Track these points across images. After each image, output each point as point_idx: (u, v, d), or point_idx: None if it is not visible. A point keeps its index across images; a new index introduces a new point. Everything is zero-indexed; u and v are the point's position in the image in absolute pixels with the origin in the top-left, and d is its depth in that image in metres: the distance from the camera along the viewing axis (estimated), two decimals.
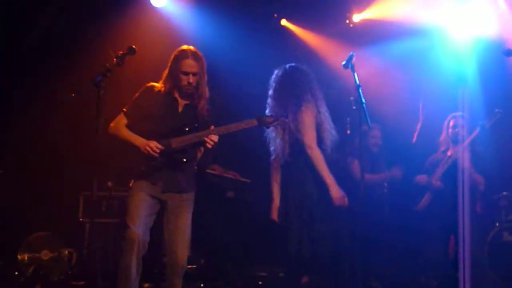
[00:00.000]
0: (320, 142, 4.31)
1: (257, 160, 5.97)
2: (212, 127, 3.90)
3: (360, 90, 4.15)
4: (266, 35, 6.38)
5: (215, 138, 3.85)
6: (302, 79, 4.44)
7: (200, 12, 6.19)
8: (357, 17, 6.40)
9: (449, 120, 5.41)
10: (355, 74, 4.17)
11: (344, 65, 4.27)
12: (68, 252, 5.29)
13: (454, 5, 5.58)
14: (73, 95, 3.76)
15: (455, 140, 5.33)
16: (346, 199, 4.22)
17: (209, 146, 3.85)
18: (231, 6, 6.14)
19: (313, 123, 4.31)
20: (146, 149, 3.85)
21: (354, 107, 4.18)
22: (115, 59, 3.79)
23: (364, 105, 4.09)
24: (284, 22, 6.62)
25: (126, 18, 5.91)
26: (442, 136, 5.47)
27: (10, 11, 5.51)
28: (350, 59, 4.24)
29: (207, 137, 3.83)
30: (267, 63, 6.19)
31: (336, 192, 4.22)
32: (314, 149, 4.24)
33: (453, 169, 5.05)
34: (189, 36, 5.84)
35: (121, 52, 3.82)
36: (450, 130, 5.39)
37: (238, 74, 6.23)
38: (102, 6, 5.84)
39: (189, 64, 3.93)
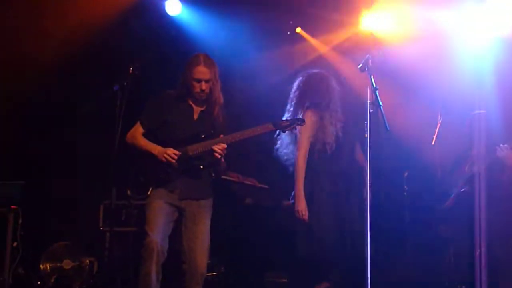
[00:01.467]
0: (321, 145, 4.37)
1: (275, 166, 5.99)
2: (222, 136, 3.91)
3: (377, 93, 4.12)
4: (281, 42, 6.38)
5: (222, 146, 3.85)
6: (308, 84, 4.52)
7: (214, 19, 6.21)
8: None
9: None
10: (372, 76, 4.15)
11: (360, 68, 4.25)
12: (89, 261, 5.33)
13: (472, 5, 5.52)
14: (92, 104, 3.79)
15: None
16: (304, 215, 4.27)
17: (217, 155, 3.86)
18: (244, 14, 6.15)
19: (307, 130, 4.37)
20: (164, 157, 3.87)
21: (371, 111, 4.14)
22: (131, 69, 3.82)
23: (382, 108, 4.06)
24: (299, 29, 6.60)
25: (142, 26, 5.95)
26: None
27: None
28: (366, 61, 4.21)
29: (214, 145, 3.84)
30: (281, 69, 6.25)
31: (297, 204, 4.30)
32: (298, 156, 4.38)
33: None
34: (203, 44, 5.88)
35: (136, 63, 3.85)
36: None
37: (253, 80, 6.25)
38: (120, 15, 5.88)
39: (201, 71, 3.94)
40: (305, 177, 4.39)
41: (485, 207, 4.71)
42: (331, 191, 4.36)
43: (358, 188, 4.35)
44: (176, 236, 4.00)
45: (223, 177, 5.56)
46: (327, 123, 4.41)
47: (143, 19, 5.93)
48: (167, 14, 6.13)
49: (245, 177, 5.99)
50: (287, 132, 4.15)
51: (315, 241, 4.28)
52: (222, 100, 4.06)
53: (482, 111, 4.95)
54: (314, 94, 4.50)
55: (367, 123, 4.22)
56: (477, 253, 4.78)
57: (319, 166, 4.43)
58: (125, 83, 3.73)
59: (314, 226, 4.29)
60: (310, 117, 4.43)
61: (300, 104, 4.51)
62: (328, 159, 4.39)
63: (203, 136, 3.93)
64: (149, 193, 3.96)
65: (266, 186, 5.93)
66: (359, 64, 4.25)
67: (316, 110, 4.50)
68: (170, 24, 6.18)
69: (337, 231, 4.28)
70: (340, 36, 6.36)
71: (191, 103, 4.04)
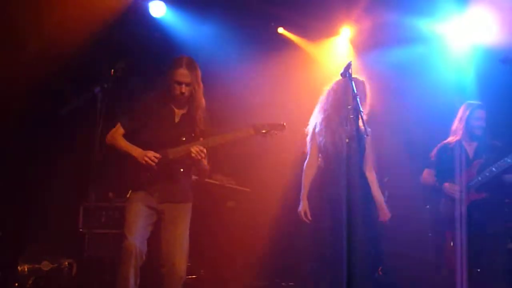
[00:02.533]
0: (320, 150, 4.41)
1: (257, 169, 6.01)
2: (201, 139, 3.91)
3: (358, 99, 4.14)
4: (263, 43, 6.40)
5: (196, 149, 3.84)
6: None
7: (198, 21, 6.22)
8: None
9: (474, 109, 4.86)
10: (353, 82, 4.17)
11: (341, 73, 4.27)
12: (68, 263, 5.29)
13: (453, 13, 5.59)
14: (72, 106, 3.76)
15: (473, 135, 4.89)
16: (306, 215, 4.29)
17: (196, 157, 3.85)
18: (228, 15, 6.16)
19: (309, 139, 4.42)
20: (144, 159, 3.86)
21: (351, 116, 4.16)
22: (113, 71, 3.80)
23: (362, 114, 4.09)
24: (281, 30, 6.62)
25: (125, 27, 5.93)
26: (456, 125, 4.98)
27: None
28: (347, 67, 4.24)
29: (193, 148, 3.83)
30: (265, 71, 6.27)
31: (300, 205, 4.33)
32: (306, 162, 4.42)
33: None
34: (187, 45, 5.88)
35: (119, 65, 3.83)
36: (474, 121, 4.87)
37: (237, 82, 6.26)
38: (104, 17, 5.85)
39: (182, 74, 3.93)
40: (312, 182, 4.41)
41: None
42: (332, 198, 4.32)
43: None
44: (155, 239, 3.99)
45: (205, 180, 5.56)
46: (336, 130, 4.39)
47: (127, 20, 5.91)
48: (151, 16, 6.11)
49: (228, 179, 6.00)
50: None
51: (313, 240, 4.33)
52: (204, 103, 4.05)
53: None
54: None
55: (347, 128, 4.26)
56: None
57: (324, 171, 4.44)
58: (105, 85, 3.71)
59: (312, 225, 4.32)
60: (311, 123, 4.48)
61: None
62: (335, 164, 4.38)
63: (183, 139, 3.93)
64: (128, 195, 3.95)
65: (248, 189, 5.94)
66: (341, 70, 4.29)
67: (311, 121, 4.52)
68: (154, 26, 6.16)
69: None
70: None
71: (172, 105, 4.03)
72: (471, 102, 4.93)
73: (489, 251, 4.77)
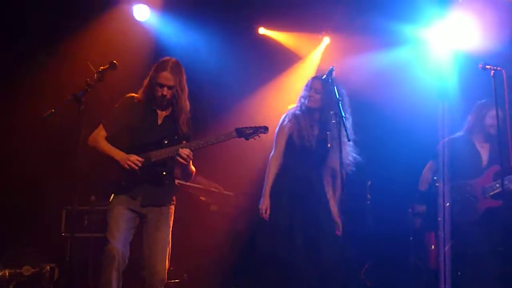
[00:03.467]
0: (291, 146, 4.42)
1: (241, 173, 6.02)
2: (184, 142, 3.91)
3: (340, 104, 4.18)
4: (246, 45, 6.43)
5: (185, 152, 3.84)
6: None
7: (182, 25, 6.22)
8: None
9: (489, 108, 4.73)
10: (335, 88, 4.20)
11: (323, 79, 4.31)
12: (50, 268, 5.23)
13: (435, 18, 5.65)
14: (53, 110, 3.73)
15: (487, 135, 4.81)
16: (265, 213, 4.29)
17: (180, 161, 3.85)
18: (212, 19, 6.18)
19: (280, 134, 4.45)
20: (127, 164, 3.85)
21: (333, 121, 4.20)
22: (96, 74, 3.78)
23: (344, 119, 4.12)
24: (262, 31, 6.65)
25: (109, 31, 5.91)
26: (471, 123, 4.91)
27: None
28: (330, 73, 4.27)
29: (177, 152, 3.83)
30: (249, 73, 6.29)
31: (261, 202, 4.35)
32: (271, 157, 4.48)
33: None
34: (171, 49, 5.88)
35: (102, 67, 3.81)
36: (489, 120, 4.80)
37: (221, 85, 6.27)
38: (85, 19, 5.84)
39: (166, 77, 3.92)
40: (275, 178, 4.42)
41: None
42: (294, 192, 4.36)
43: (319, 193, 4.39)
44: (137, 242, 3.98)
45: (188, 183, 5.55)
46: (303, 127, 4.42)
47: (111, 23, 5.89)
48: (135, 19, 6.10)
49: (211, 182, 5.99)
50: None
51: (268, 238, 4.29)
52: (188, 107, 4.05)
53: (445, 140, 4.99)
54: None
55: (329, 133, 4.30)
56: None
57: (286, 167, 4.45)
58: (88, 89, 3.69)
59: (269, 223, 4.31)
60: (286, 118, 4.50)
61: None
62: (298, 162, 4.41)
63: (166, 142, 3.92)
64: (110, 199, 3.93)
65: (231, 193, 5.94)
66: (323, 76, 4.32)
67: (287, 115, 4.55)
68: (138, 29, 6.15)
69: (289, 231, 4.27)
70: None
71: (155, 108, 4.03)
72: (486, 100, 4.83)
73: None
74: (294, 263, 4.21)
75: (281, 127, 4.50)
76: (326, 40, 6.65)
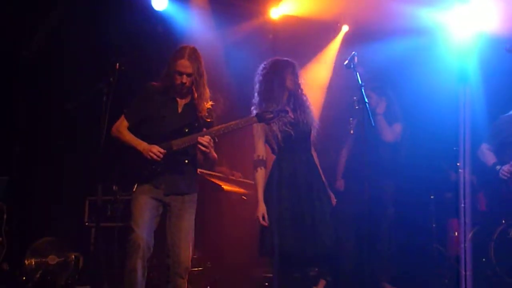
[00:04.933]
0: (268, 144, 4.29)
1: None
2: (204, 129, 3.91)
3: (363, 90, 4.15)
4: (262, 33, 6.40)
5: (205, 139, 3.83)
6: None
7: (200, 14, 6.22)
8: None
9: None
10: (358, 74, 4.17)
11: (346, 65, 4.28)
12: (75, 257, 5.31)
13: (456, 1, 5.57)
14: (77, 101, 3.77)
15: None
16: (264, 220, 4.15)
17: (202, 147, 3.84)
18: (230, 8, 6.17)
19: (255, 134, 4.28)
20: (149, 154, 3.87)
21: (357, 107, 4.17)
22: (117, 65, 3.80)
23: (368, 105, 4.09)
24: (276, 14, 6.55)
25: (128, 21, 5.93)
26: None
27: (12, 17, 5.53)
28: (352, 59, 4.24)
29: (199, 138, 3.83)
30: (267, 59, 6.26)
31: (257, 209, 4.19)
32: (254, 161, 4.27)
33: None
34: (190, 38, 5.88)
35: (123, 59, 3.83)
36: None
37: (240, 74, 6.26)
38: (104, 10, 5.86)
39: (184, 64, 3.91)
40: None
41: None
42: (290, 185, 4.25)
43: (317, 182, 4.31)
44: (161, 231, 4.01)
45: (209, 172, 5.57)
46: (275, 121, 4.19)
47: (130, 14, 5.91)
48: (154, 9, 6.10)
49: (233, 171, 6.00)
50: None
51: (277, 236, 4.17)
52: (207, 93, 4.04)
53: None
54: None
55: (353, 119, 4.27)
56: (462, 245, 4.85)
57: (276, 162, 4.32)
58: (111, 79, 3.71)
59: (274, 222, 4.19)
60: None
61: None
62: (283, 155, 4.29)
63: (186, 130, 3.93)
64: (134, 189, 3.96)
65: (252, 182, 5.93)
66: (345, 61, 4.29)
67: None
68: (156, 19, 6.16)
69: (297, 224, 4.19)
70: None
71: (175, 96, 4.03)
72: None
73: None
74: (303, 256, 4.18)
75: (255, 128, 4.26)
76: (345, 28, 6.57)
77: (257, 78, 4.37)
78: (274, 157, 4.34)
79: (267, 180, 4.27)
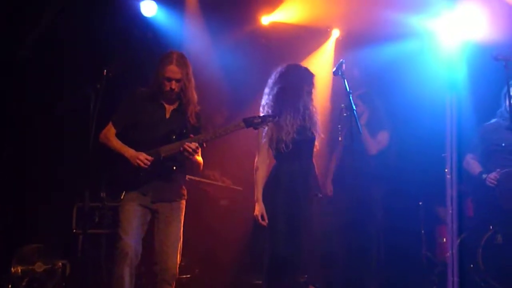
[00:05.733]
0: (271, 146, 4.28)
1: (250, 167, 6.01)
2: (192, 135, 3.90)
3: (351, 97, 4.16)
4: (253, 38, 6.41)
5: (192, 146, 3.82)
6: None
7: (189, 20, 6.22)
8: None
9: None
10: (345, 81, 4.18)
11: (334, 72, 4.29)
12: (62, 264, 5.26)
13: (444, 9, 5.61)
14: (65, 107, 3.75)
15: None
16: (263, 220, 4.15)
17: (188, 155, 3.83)
18: (219, 14, 6.17)
19: (259, 135, 4.28)
20: (136, 162, 3.85)
21: (345, 114, 4.18)
22: (105, 71, 3.79)
23: (355, 112, 4.11)
24: (266, 21, 6.56)
25: (117, 27, 5.91)
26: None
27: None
28: (340, 66, 4.25)
29: (187, 146, 3.81)
30: (256, 67, 6.27)
31: (255, 209, 4.20)
32: (256, 161, 4.28)
33: None
34: (179, 44, 5.87)
35: (111, 65, 3.82)
36: None
37: (228, 79, 6.26)
38: (93, 16, 5.83)
39: (172, 70, 3.91)
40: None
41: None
42: (287, 189, 4.25)
43: (314, 186, 4.32)
44: (149, 237, 3.99)
45: (198, 178, 5.56)
46: (283, 124, 4.26)
47: (118, 20, 5.89)
48: (142, 15, 6.09)
49: (222, 178, 5.99)
50: None
51: (271, 239, 4.19)
52: (195, 99, 4.04)
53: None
54: None
55: (340, 126, 4.28)
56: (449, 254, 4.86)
57: (276, 165, 4.34)
58: (98, 86, 3.70)
59: (268, 226, 4.20)
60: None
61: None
62: (285, 158, 4.30)
63: (174, 137, 3.92)
64: (122, 196, 3.94)
65: (240, 188, 5.94)
66: (333, 68, 4.30)
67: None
68: (145, 25, 6.15)
69: (291, 230, 4.18)
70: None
71: (163, 102, 4.02)
72: None
73: None
74: (297, 262, 4.17)
75: (261, 131, 4.25)
76: (335, 33, 6.59)
77: (274, 81, 4.36)
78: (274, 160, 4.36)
79: (266, 183, 4.27)
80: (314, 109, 4.30)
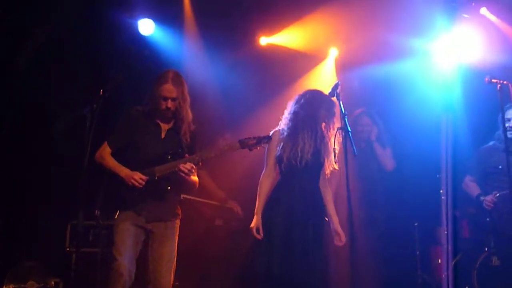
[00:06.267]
0: (280, 162, 4.30)
1: (246, 187, 6.00)
2: (187, 155, 3.90)
3: (346, 119, 4.17)
4: (251, 57, 6.44)
5: (187, 167, 3.83)
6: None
7: (187, 39, 6.24)
8: None
9: (506, 110, 4.77)
10: (341, 102, 4.20)
11: (329, 93, 4.31)
12: (55, 283, 5.22)
13: (439, 32, 5.66)
14: (61, 126, 3.76)
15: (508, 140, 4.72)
16: (258, 233, 4.16)
17: (182, 176, 3.84)
18: (217, 33, 6.21)
19: (269, 150, 4.33)
20: (131, 182, 3.85)
21: (340, 136, 4.19)
22: (102, 91, 3.80)
23: (350, 134, 4.12)
24: (264, 41, 6.61)
25: (115, 45, 5.94)
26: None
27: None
28: (335, 87, 4.27)
29: (181, 165, 3.82)
30: (255, 86, 6.30)
31: (252, 222, 4.21)
32: (262, 175, 4.34)
33: None
34: (176, 63, 5.89)
35: (108, 84, 3.83)
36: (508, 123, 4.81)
37: (226, 98, 6.28)
38: (91, 34, 5.86)
39: (168, 89, 3.93)
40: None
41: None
42: (286, 208, 4.24)
43: (315, 215, 4.29)
44: (142, 256, 3.98)
45: (192, 197, 5.54)
46: (296, 142, 4.30)
47: (116, 39, 5.92)
48: (140, 33, 6.12)
49: (218, 189, 5.93)
50: None
51: (266, 258, 4.17)
52: (190, 117, 4.05)
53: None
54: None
55: (334, 148, 4.28)
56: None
57: (279, 184, 4.35)
58: (95, 105, 3.71)
59: (264, 243, 4.20)
60: (276, 135, 4.37)
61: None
62: (288, 179, 4.31)
63: (169, 156, 3.92)
64: (116, 216, 3.93)
65: (234, 207, 5.90)
66: (329, 90, 4.32)
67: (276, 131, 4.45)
68: (143, 43, 6.17)
69: (287, 249, 4.17)
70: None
71: (158, 121, 4.04)
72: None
73: None
74: (293, 282, 4.15)
75: (271, 145, 4.32)
76: (333, 52, 6.61)
77: (294, 105, 4.42)
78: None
79: (267, 201, 4.28)
80: (326, 133, 4.32)
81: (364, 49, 6.11)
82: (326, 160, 4.33)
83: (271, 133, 4.34)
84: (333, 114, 4.33)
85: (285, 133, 4.34)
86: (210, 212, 5.80)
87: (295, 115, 4.36)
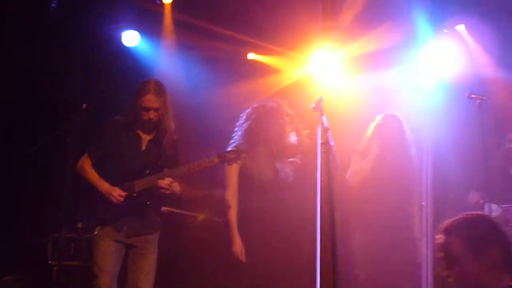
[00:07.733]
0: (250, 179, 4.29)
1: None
2: (166, 169, 3.88)
3: (329, 133, 4.19)
4: (235, 71, 6.45)
5: (166, 182, 3.82)
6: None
7: (171, 51, 6.25)
8: None
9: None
10: (324, 117, 4.21)
11: (312, 108, 4.32)
12: None
13: (419, 48, 5.70)
14: (39, 145, 3.73)
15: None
16: (242, 256, 4.14)
17: (163, 191, 3.83)
18: (202, 44, 6.21)
19: (231, 170, 4.27)
20: (110, 197, 3.83)
21: (323, 151, 4.20)
22: (84, 105, 3.79)
23: (333, 148, 4.14)
24: (251, 56, 6.63)
25: (98, 57, 5.92)
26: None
27: None
28: (319, 102, 4.28)
29: (160, 181, 3.80)
30: (241, 98, 6.29)
31: (233, 246, 4.18)
32: (226, 195, 4.26)
33: None
34: (160, 74, 5.88)
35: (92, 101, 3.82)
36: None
37: (209, 111, 6.27)
38: (74, 45, 5.84)
39: (150, 100, 3.90)
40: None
41: None
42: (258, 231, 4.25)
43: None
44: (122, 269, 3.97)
45: (175, 210, 5.52)
46: (262, 160, 4.30)
47: (100, 50, 5.90)
48: (124, 45, 6.11)
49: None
50: None
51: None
52: (172, 127, 4.03)
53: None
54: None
55: (318, 162, 4.29)
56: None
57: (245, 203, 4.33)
58: (77, 119, 3.70)
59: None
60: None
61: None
62: (255, 196, 4.31)
63: (147, 171, 3.90)
64: (96, 232, 3.92)
65: (219, 220, 5.89)
66: (312, 104, 4.33)
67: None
68: (127, 55, 6.17)
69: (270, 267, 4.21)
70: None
71: (139, 132, 4.02)
72: None
73: None
74: None
75: (230, 167, 4.26)
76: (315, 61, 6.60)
77: (245, 119, 4.39)
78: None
79: (238, 220, 4.25)
80: (289, 148, 4.32)
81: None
82: (289, 176, 4.30)
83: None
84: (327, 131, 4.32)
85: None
86: (194, 224, 5.78)
87: (248, 134, 4.33)
